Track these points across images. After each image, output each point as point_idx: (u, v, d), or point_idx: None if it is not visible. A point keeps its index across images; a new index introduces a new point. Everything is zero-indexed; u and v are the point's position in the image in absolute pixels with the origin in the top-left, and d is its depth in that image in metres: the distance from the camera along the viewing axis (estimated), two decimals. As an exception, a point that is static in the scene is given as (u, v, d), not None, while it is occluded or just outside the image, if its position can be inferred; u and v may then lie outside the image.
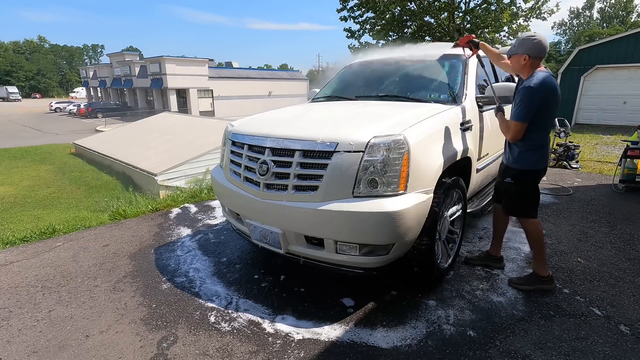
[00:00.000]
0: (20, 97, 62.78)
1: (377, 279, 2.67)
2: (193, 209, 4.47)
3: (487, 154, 3.16)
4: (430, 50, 3.48)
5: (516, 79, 3.18)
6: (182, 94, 31.84)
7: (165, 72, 29.75)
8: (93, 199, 10.36)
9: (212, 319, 2.28)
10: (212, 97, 33.03)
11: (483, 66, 3.18)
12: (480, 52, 3.72)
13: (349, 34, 15.32)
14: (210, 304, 2.43)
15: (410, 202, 2.02)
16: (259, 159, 2.33)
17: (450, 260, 2.69)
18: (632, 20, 48.85)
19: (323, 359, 1.93)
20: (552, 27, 61.91)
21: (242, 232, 2.73)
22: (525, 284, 2.54)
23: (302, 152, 2.15)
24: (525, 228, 2.57)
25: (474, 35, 3.19)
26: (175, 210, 4.40)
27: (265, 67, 65.92)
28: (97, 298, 2.53)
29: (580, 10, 58.23)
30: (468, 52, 3.07)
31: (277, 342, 2.06)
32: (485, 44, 2.96)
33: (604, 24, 52.20)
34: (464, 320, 2.21)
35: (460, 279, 2.68)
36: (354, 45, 15.65)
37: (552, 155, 6.62)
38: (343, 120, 2.44)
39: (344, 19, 14.97)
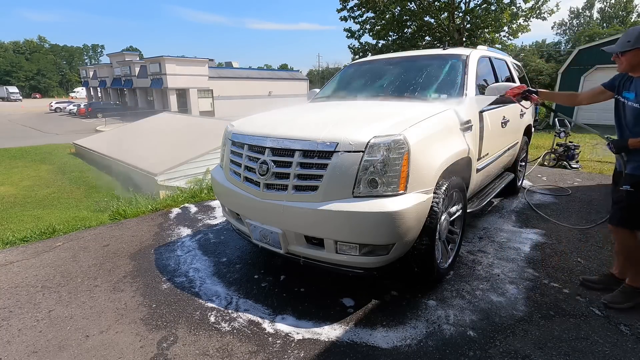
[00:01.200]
0: (21, 97, 62.82)
1: (377, 279, 2.67)
2: (193, 209, 4.47)
3: (487, 154, 3.16)
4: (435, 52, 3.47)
5: (517, 80, 3.11)
6: (182, 94, 31.84)
7: (165, 72, 29.76)
8: (93, 199, 10.36)
9: (212, 319, 2.28)
10: (212, 97, 33.03)
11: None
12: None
13: (349, 34, 15.34)
14: (210, 304, 2.43)
15: (410, 202, 2.02)
16: (259, 159, 2.33)
17: (450, 260, 2.69)
18: (632, 20, 48.82)
19: (323, 359, 1.93)
20: (552, 27, 62.09)
21: (242, 232, 2.73)
22: (623, 301, 2.30)
23: (302, 152, 2.15)
24: (623, 240, 2.29)
25: (524, 85, 2.78)
26: (175, 210, 4.40)
27: (265, 67, 65.89)
28: (97, 298, 2.53)
29: (580, 10, 58.26)
30: (526, 103, 2.66)
31: (277, 342, 2.06)
32: (547, 90, 2.62)
33: (604, 24, 52.18)
34: (463, 320, 2.21)
35: (460, 279, 2.68)
36: (354, 45, 15.66)
37: (552, 156, 6.63)
38: (343, 120, 2.44)
39: (344, 19, 14.99)
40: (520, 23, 13.51)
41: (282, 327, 2.19)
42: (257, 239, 2.49)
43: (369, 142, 2.03)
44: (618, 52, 2.17)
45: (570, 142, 6.60)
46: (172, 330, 2.17)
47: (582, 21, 58.05)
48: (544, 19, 13.15)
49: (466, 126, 2.67)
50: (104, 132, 20.62)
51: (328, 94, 3.71)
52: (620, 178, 2.25)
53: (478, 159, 2.92)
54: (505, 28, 13.63)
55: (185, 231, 3.72)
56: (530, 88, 2.70)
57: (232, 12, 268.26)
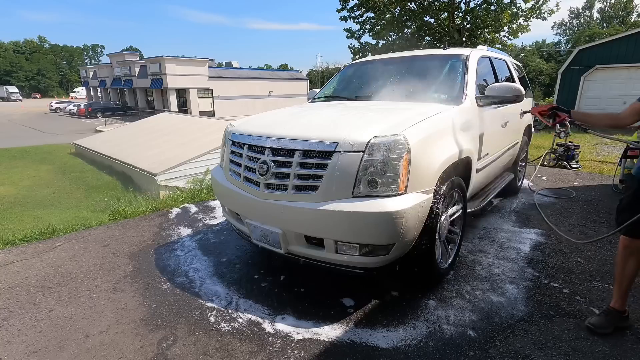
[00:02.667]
0: (21, 97, 62.89)
1: (377, 279, 2.67)
2: (193, 209, 4.47)
3: (487, 154, 3.16)
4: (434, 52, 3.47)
5: (517, 80, 3.11)
6: (182, 94, 31.82)
7: (165, 72, 29.73)
8: (93, 199, 10.35)
9: (212, 319, 2.28)
10: (212, 97, 33.01)
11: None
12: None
13: (349, 34, 15.35)
14: (210, 304, 2.43)
15: (410, 202, 2.02)
16: (259, 159, 2.32)
17: (450, 260, 2.68)
18: (632, 20, 48.83)
19: (323, 359, 1.93)
20: (552, 27, 62.14)
21: (242, 232, 2.73)
22: (608, 326, 2.07)
23: (302, 152, 2.15)
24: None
25: (552, 104, 2.56)
26: (175, 210, 4.40)
27: (265, 67, 65.86)
28: (97, 298, 2.53)
29: (580, 10, 58.25)
30: (550, 121, 2.48)
31: (277, 342, 2.06)
32: (582, 111, 2.37)
33: (604, 24, 52.17)
34: (464, 320, 2.21)
35: (460, 279, 2.68)
36: (354, 45, 15.67)
37: (552, 156, 6.63)
38: (343, 120, 2.44)
39: (344, 19, 15.00)
40: (520, 23, 13.53)
41: (282, 327, 2.19)
42: (257, 239, 2.49)
43: (369, 142, 2.03)
44: None
45: (570, 142, 6.60)
46: (172, 330, 2.17)
47: (582, 21, 58.04)
48: (544, 19, 13.17)
49: (466, 126, 2.67)
50: (104, 132, 20.61)
51: (328, 93, 3.71)
52: None
53: (478, 159, 2.92)
54: (505, 28, 13.65)
55: (185, 231, 3.72)
56: (559, 106, 2.46)
57: (233, 12, 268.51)
